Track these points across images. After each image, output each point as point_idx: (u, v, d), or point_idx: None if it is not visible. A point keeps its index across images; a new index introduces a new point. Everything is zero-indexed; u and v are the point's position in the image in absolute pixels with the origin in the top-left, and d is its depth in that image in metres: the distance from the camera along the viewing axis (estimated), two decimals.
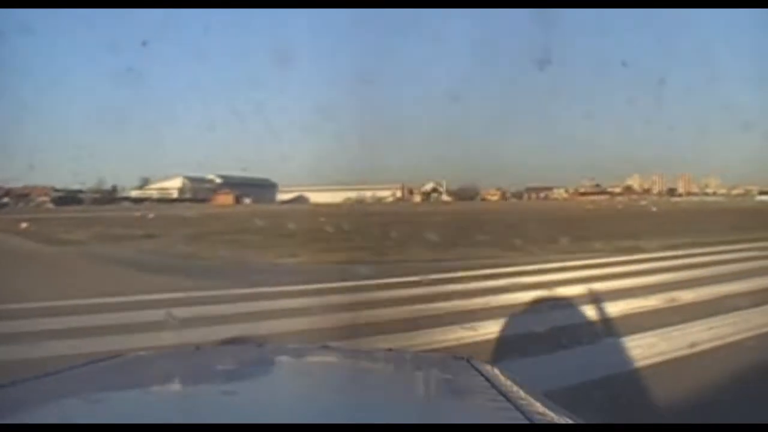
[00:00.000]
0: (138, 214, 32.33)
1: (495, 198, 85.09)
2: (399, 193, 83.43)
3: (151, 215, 30.44)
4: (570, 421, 1.02)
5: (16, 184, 61.81)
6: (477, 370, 1.37)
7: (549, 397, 1.16)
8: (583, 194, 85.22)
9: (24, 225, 22.09)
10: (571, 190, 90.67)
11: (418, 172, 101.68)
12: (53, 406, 1.09)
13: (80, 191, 68.88)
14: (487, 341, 4.95)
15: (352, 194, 72.99)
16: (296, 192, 76.54)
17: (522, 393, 1.16)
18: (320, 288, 7.58)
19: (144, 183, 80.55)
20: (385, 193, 79.91)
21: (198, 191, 76.30)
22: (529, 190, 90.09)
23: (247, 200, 71.65)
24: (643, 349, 4.59)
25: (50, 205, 61.45)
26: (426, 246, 12.86)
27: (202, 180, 79.20)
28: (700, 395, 3.60)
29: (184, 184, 79.27)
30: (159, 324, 5.25)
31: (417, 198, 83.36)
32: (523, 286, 7.51)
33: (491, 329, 5.23)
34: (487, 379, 1.26)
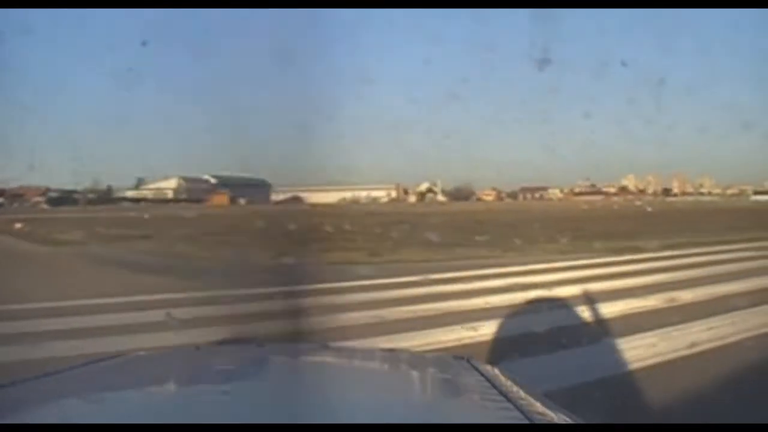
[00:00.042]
0: (133, 214, 32.22)
1: (490, 198, 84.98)
2: (394, 194, 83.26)
3: (146, 215, 30.32)
4: (570, 421, 1.02)
5: (15, 184, 61.31)
6: (477, 370, 1.37)
7: (549, 397, 1.16)
8: (579, 194, 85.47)
9: (18, 225, 21.90)
10: (566, 190, 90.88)
11: (413, 172, 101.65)
12: (53, 406, 1.09)
13: (75, 191, 68.47)
14: (487, 341, 4.97)
15: (347, 194, 72.99)
16: (291, 192, 76.47)
17: (522, 393, 1.16)
18: (320, 288, 7.57)
19: (139, 183, 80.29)
20: (380, 193, 79.89)
21: (193, 192, 75.96)
22: (524, 190, 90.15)
23: (242, 200, 71.46)
24: (643, 349, 4.61)
25: (45, 206, 61.03)
26: (425, 246, 12.87)
27: (198, 180, 79.00)
28: (700, 395, 3.62)
29: (179, 184, 78.99)
30: (159, 324, 5.23)
31: (412, 198, 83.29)
32: (523, 286, 7.52)
33: (491, 329, 5.25)
34: (487, 379, 1.26)
